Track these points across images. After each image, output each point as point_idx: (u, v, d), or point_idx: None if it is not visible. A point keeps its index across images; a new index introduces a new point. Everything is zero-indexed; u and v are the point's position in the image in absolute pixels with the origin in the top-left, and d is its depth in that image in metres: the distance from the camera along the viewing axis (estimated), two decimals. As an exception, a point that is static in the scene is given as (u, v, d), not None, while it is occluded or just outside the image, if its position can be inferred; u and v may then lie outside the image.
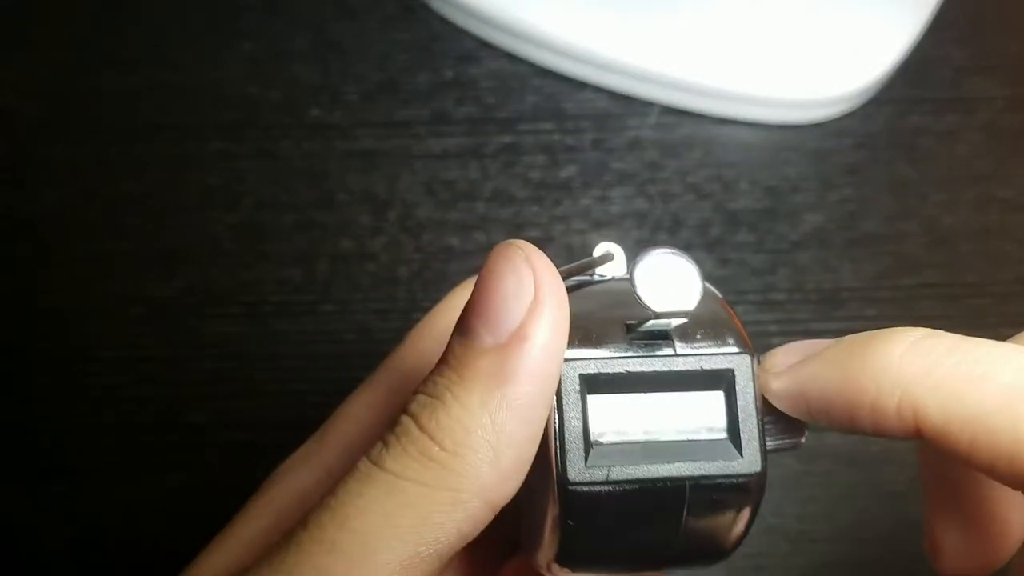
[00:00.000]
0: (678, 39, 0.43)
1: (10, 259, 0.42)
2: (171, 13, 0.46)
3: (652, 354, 0.19)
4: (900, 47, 0.44)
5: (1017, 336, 0.18)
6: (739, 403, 0.19)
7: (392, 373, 0.25)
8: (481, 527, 0.18)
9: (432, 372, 0.18)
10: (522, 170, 0.43)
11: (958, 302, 0.41)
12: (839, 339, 0.19)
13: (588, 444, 0.18)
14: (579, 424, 0.18)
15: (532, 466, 0.18)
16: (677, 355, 0.19)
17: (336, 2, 0.46)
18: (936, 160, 0.44)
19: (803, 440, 0.20)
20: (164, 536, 0.37)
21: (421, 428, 0.17)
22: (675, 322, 0.19)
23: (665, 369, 0.19)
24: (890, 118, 0.44)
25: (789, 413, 0.19)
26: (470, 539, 0.17)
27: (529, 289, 0.18)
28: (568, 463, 0.18)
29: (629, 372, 0.19)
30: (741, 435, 0.18)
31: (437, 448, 0.17)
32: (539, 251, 0.18)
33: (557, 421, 0.18)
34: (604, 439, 0.19)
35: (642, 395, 0.19)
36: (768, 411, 0.19)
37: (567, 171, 0.43)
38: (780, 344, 0.20)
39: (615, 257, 0.21)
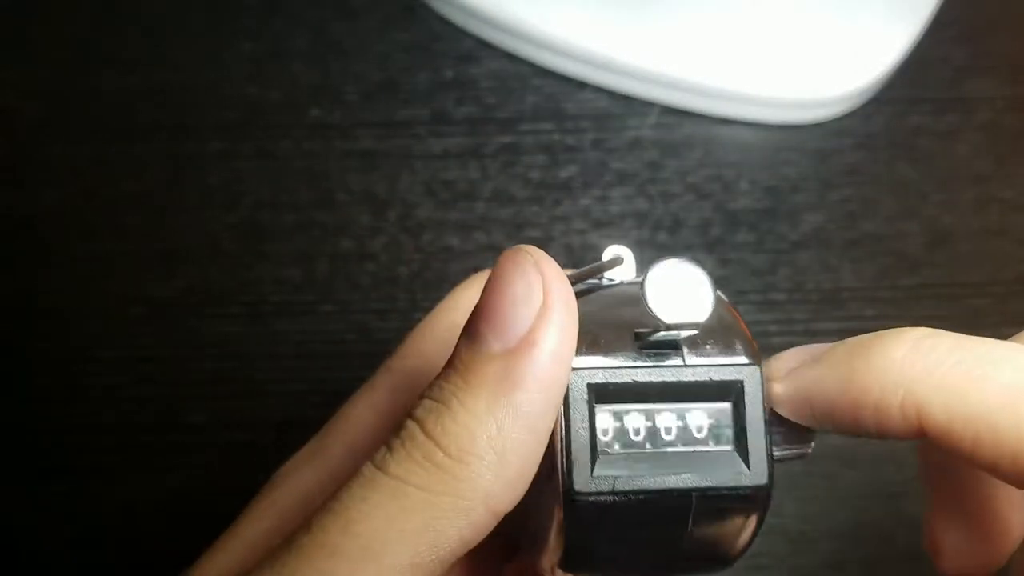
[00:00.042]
0: (678, 39, 0.43)
1: (10, 259, 0.42)
2: (171, 13, 0.46)
3: (661, 364, 0.19)
4: (900, 47, 0.44)
5: (1018, 335, 0.18)
6: (747, 415, 0.18)
7: (394, 374, 0.25)
8: (484, 534, 0.17)
9: (438, 377, 0.18)
10: (522, 170, 0.43)
11: (958, 302, 0.41)
12: (840, 342, 0.19)
13: (595, 454, 0.18)
14: (586, 434, 0.18)
15: (537, 473, 0.18)
16: (686, 366, 0.19)
17: (336, 2, 0.46)
18: (936, 160, 0.44)
19: (810, 449, 0.20)
20: (164, 536, 0.37)
21: (426, 433, 0.17)
22: (685, 333, 0.19)
23: (674, 380, 0.19)
24: (890, 118, 0.44)
25: (793, 418, 0.19)
26: (472, 545, 0.17)
27: (538, 295, 0.17)
28: (574, 473, 0.18)
29: (637, 382, 0.18)
30: (748, 447, 0.18)
31: (442, 454, 0.17)
32: (548, 256, 0.18)
33: (564, 430, 0.18)
34: (611, 449, 0.18)
35: (650, 405, 0.19)
36: (775, 420, 0.19)
37: (567, 171, 0.43)
38: (780, 344, 0.20)
39: (624, 261, 0.21)
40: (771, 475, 0.18)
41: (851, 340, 0.19)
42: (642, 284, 0.18)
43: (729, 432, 0.19)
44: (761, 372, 0.19)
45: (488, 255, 0.41)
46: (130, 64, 0.45)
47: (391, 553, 0.17)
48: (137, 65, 0.45)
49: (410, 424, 0.18)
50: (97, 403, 0.39)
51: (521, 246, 0.18)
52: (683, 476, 0.18)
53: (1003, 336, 0.18)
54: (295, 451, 0.24)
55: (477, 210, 0.42)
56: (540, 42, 0.44)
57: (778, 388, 0.19)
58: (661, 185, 0.43)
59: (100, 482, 0.38)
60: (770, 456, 0.18)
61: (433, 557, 0.17)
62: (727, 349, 0.19)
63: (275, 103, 0.44)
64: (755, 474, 0.18)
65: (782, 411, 0.19)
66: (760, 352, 0.19)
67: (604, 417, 0.19)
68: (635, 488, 0.18)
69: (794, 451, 0.20)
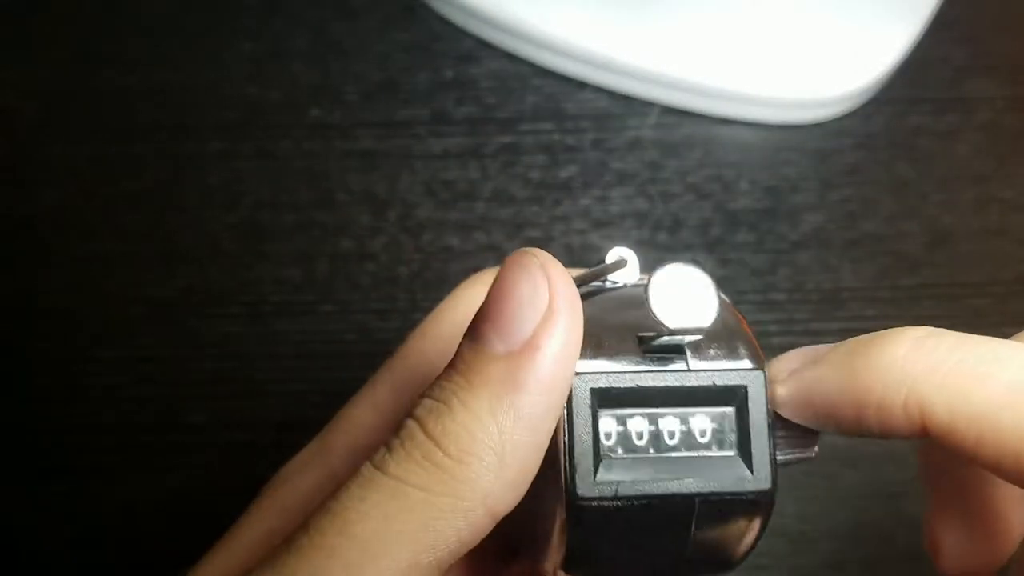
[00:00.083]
0: (678, 39, 0.43)
1: (10, 259, 0.42)
2: (171, 13, 0.46)
3: (664, 369, 0.19)
4: (900, 47, 0.44)
5: (1019, 334, 0.18)
6: (751, 420, 0.18)
7: (395, 374, 0.24)
8: (482, 536, 0.17)
9: (439, 377, 0.18)
10: (522, 170, 0.43)
11: (958, 302, 0.41)
12: (841, 342, 0.19)
13: (597, 459, 0.18)
14: (589, 439, 0.18)
15: (537, 475, 0.18)
16: (690, 370, 0.19)
17: (336, 2, 0.46)
18: (936, 160, 0.44)
19: (815, 453, 0.20)
20: (164, 536, 0.37)
21: (427, 433, 0.17)
22: (689, 337, 0.19)
23: (677, 384, 0.18)
24: (890, 118, 0.44)
25: (795, 420, 0.19)
26: (470, 547, 0.17)
27: (544, 298, 0.17)
28: (577, 478, 0.18)
29: (641, 387, 0.18)
30: (752, 452, 0.18)
31: (441, 454, 0.17)
32: (555, 260, 0.18)
33: (567, 435, 0.18)
34: (614, 453, 0.18)
35: (653, 409, 0.19)
36: (779, 423, 0.19)
37: (567, 171, 0.43)
38: (781, 344, 0.20)
39: (628, 263, 0.21)
40: (775, 480, 0.18)
41: (852, 340, 0.19)
42: (646, 289, 0.18)
43: (732, 437, 0.19)
44: (765, 377, 0.19)
45: (488, 255, 0.41)
46: (130, 64, 0.45)
47: (389, 554, 0.16)
48: (137, 65, 0.45)
49: (410, 423, 0.18)
50: (97, 403, 0.39)
51: (528, 248, 0.18)
52: (686, 481, 0.18)
53: (1004, 336, 0.18)
54: (295, 451, 0.24)
55: (477, 210, 0.42)
56: (540, 42, 0.44)
57: (781, 390, 0.19)
58: (661, 185, 0.43)
59: (100, 482, 0.38)
60: (773, 461, 0.18)
61: (431, 558, 0.17)
62: (731, 353, 0.19)
63: (275, 103, 0.44)
64: (758, 479, 0.18)
65: (785, 413, 0.19)
66: (764, 355, 0.19)
67: (607, 421, 0.18)
68: (638, 493, 0.18)
69: (798, 455, 0.20)
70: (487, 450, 0.17)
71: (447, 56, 0.45)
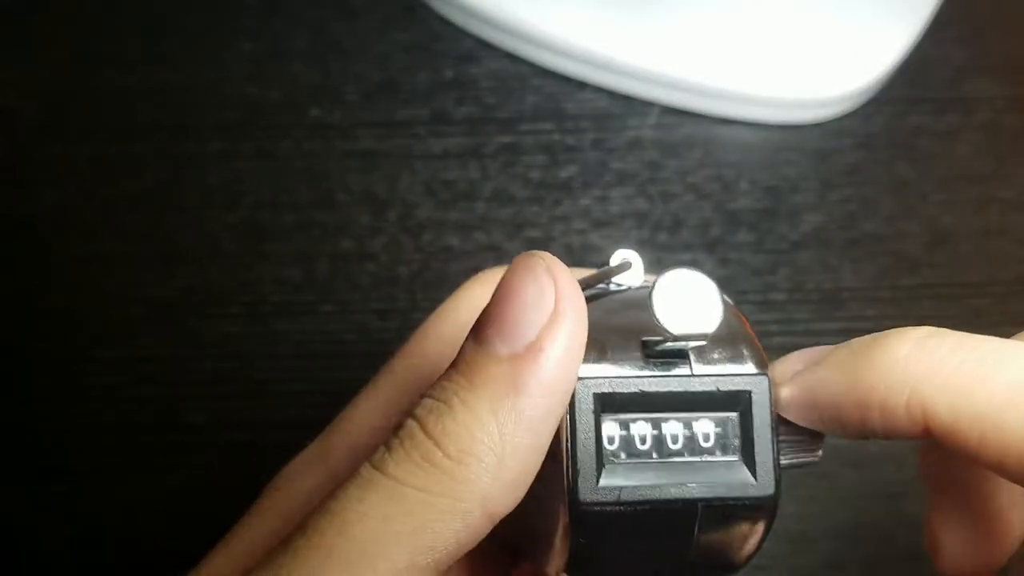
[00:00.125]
0: (678, 39, 0.43)
1: (10, 259, 0.42)
2: (171, 13, 0.46)
3: (668, 374, 0.19)
4: (900, 47, 0.44)
5: (1020, 334, 0.18)
6: (755, 425, 0.18)
7: (397, 374, 0.24)
8: (479, 537, 0.17)
9: (441, 377, 0.18)
10: (522, 170, 0.43)
11: (958, 302, 0.41)
12: (844, 343, 0.19)
13: (600, 464, 0.18)
14: (592, 444, 0.18)
15: (540, 478, 0.18)
16: (693, 375, 0.19)
17: (336, 2, 0.46)
18: (936, 160, 0.44)
19: (818, 457, 0.20)
20: (164, 536, 0.37)
21: (427, 433, 0.17)
22: (693, 343, 0.19)
23: (681, 390, 0.18)
24: (890, 118, 0.44)
25: (799, 422, 0.19)
26: (468, 549, 0.17)
27: (549, 301, 0.17)
28: (580, 482, 0.18)
29: (644, 392, 0.18)
30: (756, 457, 0.18)
31: (441, 454, 0.17)
32: (561, 263, 0.18)
33: (570, 439, 0.18)
34: (616, 458, 0.18)
35: (656, 414, 0.19)
36: (784, 425, 0.19)
37: (567, 171, 0.43)
38: (781, 344, 0.20)
39: (632, 265, 0.21)
40: (778, 485, 0.18)
41: (855, 341, 0.19)
42: (650, 295, 0.18)
43: (736, 442, 0.19)
44: (769, 381, 0.19)
45: (488, 255, 0.41)
46: (130, 64, 0.45)
47: (387, 555, 0.16)
48: (137, 65, 0.45)
49: (410, 423, 0.18)
50: (97, 403, 0.39)
51: (534, 251, 0.18)
52: (689, 486, 0.18)
53: (1004, 336, 0.18)
54: (295, 451, 0.24)
55: (477, 210, 0.42)
56: (540, 42, 0.44)
57: (784, 391, 0.19)
58: (661, 185, 0.43)
59: (100, 482, 0.38)
60: (777, 466, 0.18)
61: (429, 559, 0.17)
62: (735, 357, 0.19)
63: (275, 103, 0.44)
64: (762, 484, 0.18)
65: (788, 415, 0.19)
66: (767, 357, 0.19)
67: (610, 425, 0.18)
68: (641, 498, 0.18)
69: (802, 459, 0.20)
70: (487, 451, 0.17)
71: (447, 56, 0.45)
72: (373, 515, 0.17)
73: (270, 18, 0.46)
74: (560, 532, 0.19)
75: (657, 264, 0.41)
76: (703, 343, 0.19)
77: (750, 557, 0.19)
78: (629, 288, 0.21)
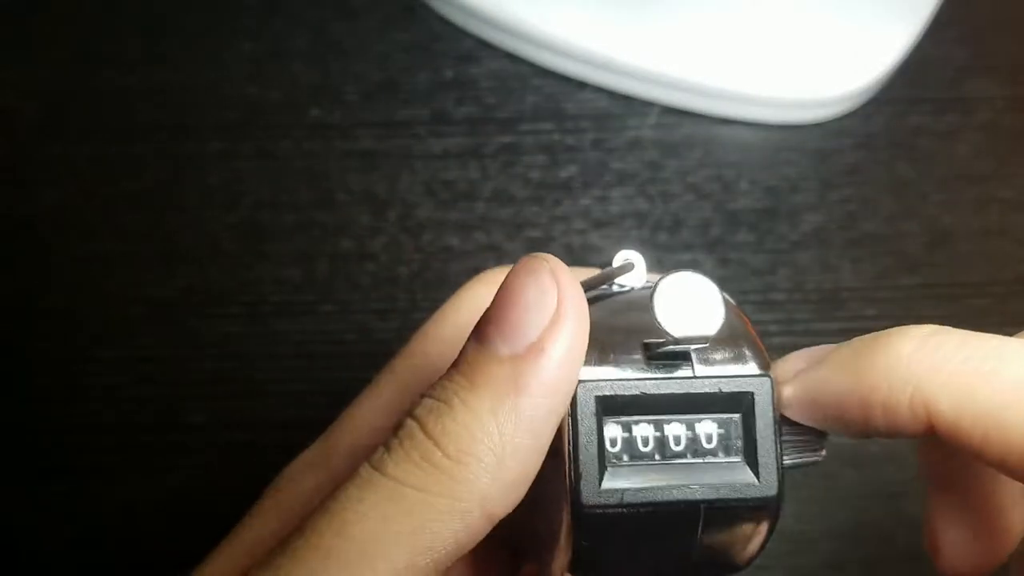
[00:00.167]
0: (678, 39, 0.43)
1: (10, 259, 0.42)
2: (171, 13, 0.46)
3: (670, 376, 0.19)
4: (900, 47, 0.44)
5: (1022, 332, 0.18)
6: (757, 426, 0.18)
7: (398, 375, 0.24)
8: (479, 538, 0.17)
9: (442, 377, 0.18)
10: (522, 170, 0.43)
11: (958, 302, 0.41)
12: (846, 342, 0.19)
13: (603, 467, 0.18)
14: (594, 446, 0.18)
15: (543, 478, 0.18)
16: (696, 377, 0.19)
17: (336, 2, 0.46)
18: (936, 160, 0.44)
19: (822, 456, 0.20)
20: (164, 536, 0.37)
21: (426, 432, 0.17)
22: (695, 345, 0.18)
23: (683, 392, 0.18)
24: (890, 118, 0.44)
25: (802, 421, 0.19)
26: (467, 549, 0.17)
27: (551, 302, 0.17)
28: (582, 485, 0.18)
29: (646, 395, 0.18)
30: (759, 458, 0.18)
31: (440, 454, 0.17)
32: (565, 266, 0.18)
33: (572, 442, 0.18)
34: (619, 460, 0.18)
35: (658, 417, 0.19)
36: (787, 424, 0.19)
37: (567, 171, 0.43)
38: (781, 344, 0.20)
39: (635, 266, 0.21)
40: (781, 486, 0.18)
41: (857, 339, 0.19)
42: (651, 297, 0.18)
43: (739, 443, 0.19)
44: (772, 382, 0.19)
45: (488, 255, 0.41)
46: (130, 64, 0.45)
47: (386, 555, 0.16)
48: (137, 65, 0.45)
49: (409, 423, 0.18)
50: (97, 403, 0.39)
51: (538, 254, 0.18)
52: (692, 488, 0.18)
53: (1005, 336, 0.18)
54: (295, 451, 0.24)
55: (477, 210, 0.42)
56: (540, 42, 0.44)
57: (786, 390, 0.19)
58: (661, 185, 0.43)
59: (100, 482, 0.38)
60: (780, 467, 0.18)
61: (428, 560, 0.17)
62: (737, 358, 0.19)
63: (275, 103, 0.44)
64: (765, 485, 0.18)
65: (791, 414, 0.19)
66: (769, 357, 0.19)
67: (613, 428, 0.18)
68: (643, 500, 0.18)
69: (805, 459, 0.19)
70: (486, 451, 0.17)
71: (447, 56, 0.45)
72: (372, 515, 0.17)
73: (270, 18, 0.46)
74: (563, 532, 0.19)
75: (657, 264, 0.41)
76: (705, 345, 0.19)
77: (753, 558, 0.19)
78: (632, 289, 0.21)
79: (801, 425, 0.19)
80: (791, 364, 0.19)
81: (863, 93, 0.44)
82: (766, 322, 0.40)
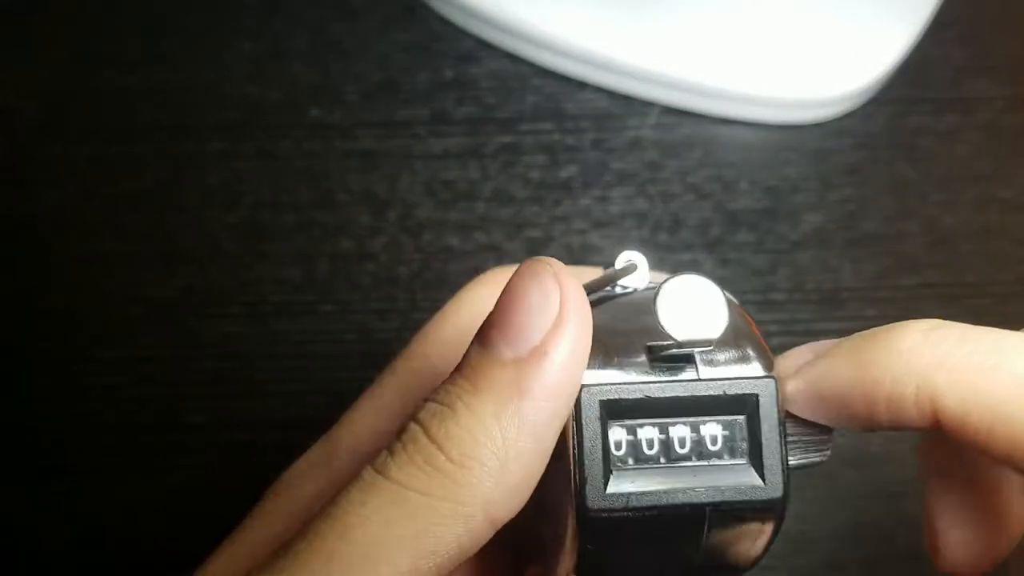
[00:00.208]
0: (678, 39, 0.43)
1: (10, 259, 0.42)
2: (171, 13, 0.46)
3: (674, 379, 0.18)
4: (900, 47, 0.44)
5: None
6: (762, 428, 0.18)
7: (399, 377, 0.24)
8: (482, 542, 0.17)
9: (445, 381, 0.18)
10: (522, 170, 0.43)
11: (958, 302, 0.41)
12: (849, 336, 0.19)
13: (608, 471, 0.18)
14: (599, 451, 0.18)
15: (547, 482, 0.18)
16: (700, 380, 0.19)
17: (336, 2, 0.46)
18: (936, 160, 0.44)
19: (827, 456, 0.20)
20: (164, 536, 0.37)
21: (429, 436, 0.17)
22: (699, 348, 0.18)
23: (687, 395, 0.18)
24: (890, 118, 0.44)
25: (805, 416, 0.19)
26: (470, 554, 0.17)
27: (554, 306, 0.17)
28: (588, 489, 0.18)
29: (650, 398, 0.18)
30: (764, 460, 0.18)
31: (443, 458, 0.17)
32: (568, 269, 0.18)
33: (576, 447, 0.18)
34: (624, 463, 0.18)
35: (663, 420, 0.19)
36: (792, 420, 0.19)
37: (567, 171, 0.43)
38: (781, 344, 0.20)
39: (638, 267, 0.21)
40: (786, 488, 0.18)
41: (859, 334, 0.19)
42: (654, 301, 0.18)
43: (744, 445, 0.19)
44: (776, 384, 0.18)
45: (488, 255, 0.41)
46: (130, 64, 0.45)
47: (390, 559, 0.16)
48: (137, 65, 0.45)
49: (412, 427, 0.18)
50: (97, 403, 0.39)
51: (541, 257, 0.18)
52: (697, 491, 0.18)
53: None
54: (295, 451, 0.24)
55: (477, 210, 0.42)
56: (540, 42, 0.44)
57: (790, 385, 0.19)
58: (661, 185, 0.43)
59: (100, 482, 0.38)
60: (785, 469, 0.18)
61: (431, 564, 0.17)
62: (741, 360, 0.19)
63: (275, 103, 0.44)
64: (770, 488, 0.18)
65: (795, 409, 0.19)
66: (773, 356, 0.19)
67: (617, 431, 0.18)
68: (649, 504, 0.18)
69: (810, 459, 0.19)
70: (490, 455, 0.17)
71: (447, 56, 0.45)
72: (375, 519, 0.17)
73: (270, 18, 0.46)
74: (568, 536, 0.19)
75: (657, 264, 0.41)
76: (709, 348, 0.18)
77: (758, 559, 0.19)
78: (635, 291, 0.21)
79: (805, 421, 0.19)
80: (793, 359, 0.19)
81: (863, 93, 0.44)
82: (766, 322, 0.40)
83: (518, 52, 0.45)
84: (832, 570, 0.37)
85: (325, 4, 0.46)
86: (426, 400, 0.18)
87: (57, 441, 0.39)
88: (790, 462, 0.19)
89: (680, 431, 0.18)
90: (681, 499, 0.18)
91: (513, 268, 0.18)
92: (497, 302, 0.18)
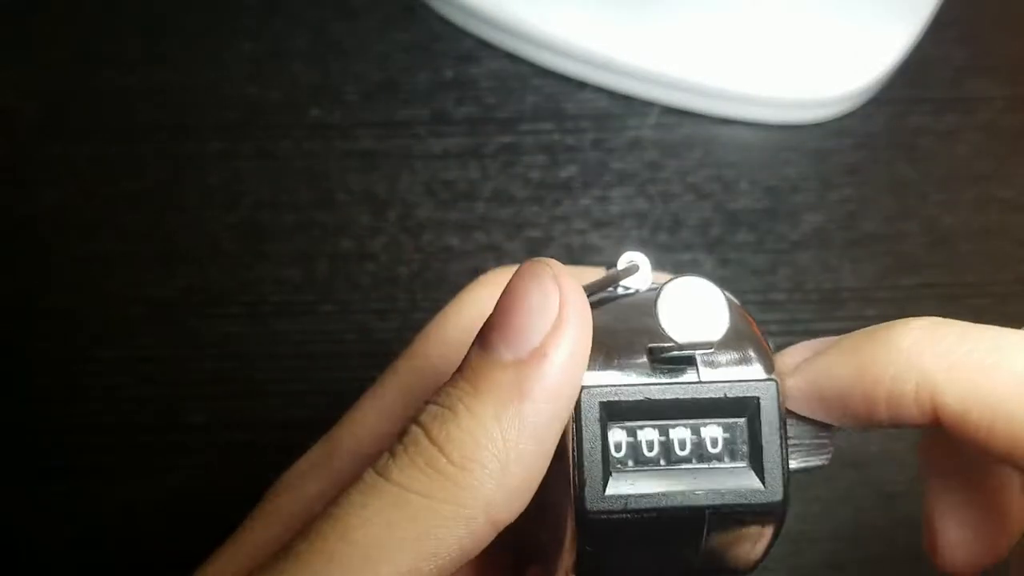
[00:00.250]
0: (678, 39, 0.43)
1: (10, 259, 0.42)
2: (171, 13, 0.46)
3: (675, 381, 0.18)
4: (900, 47, 0.44)
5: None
6: (763, 431, 0.18)
7: (400, 378, 0.24)
8: (483, 544, 0.17)
9: (446, 383, 0.18)
10: (522, 170, 0.43)
11: (958, 302, 0.41)
12: (848, 334, 0.19)
13: (607, 472, 0.18)
14: (599, 452, 0.18)
15: (547, 483, 0.18)
16: (701, 382, 0.18)
17: (336, 2, 0.46)
18: (936, 160, 0.44)
19: (828, 459, 0.19)
20: (164, 536, 0.37)
21: (431, 439, 0.17)
22: (700, 350, 0.18)
23: (688, 397, 0.18)
24: (890, 118, 0.44)
25: (804, 413, 0.19)
26: (471, 556, 0.17)
27: (554, 307, 0.17)
28: (587, 491, 0.18)
29: (650, 400, 0.18)
30: (764, 463, 0.18)
31: (445, 460, 0.17)
32: (568, 270, 0.18)
33: (576, 448, 0.18)
34: (624, 465, 0.18)
35: (663, 422, 0.18)
36: (791, 418, 0.19)
37: (567, 171, 0.43)
38: (781, 345, 0.20)
39: (640, 268, 0.21)
40: (787, 491, 0.18)
41: (859, 331, 0.19)
42: (655, 303, 0.18)
43: (744, 448, 0.18)
44: (777, 386, 0.18)
45: (488, 255, 0.41)
46: (130, 64, 0.45)
47: (391, 561, 0.16)
48: (137, 65, 0.45)
49: (414, 429, 0.18)
50: (97, 403, 0.39)
51: (541, 259, 0.18)
52: (697, 494, 0.18)
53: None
54: (295, 451, 0.24)
55: (477, 210, 0.42)
56: (540, 42, 0.44)
57: (789, 382, 0.19)
58: (661, 185, 0.43)
59: (100, 482, 0.38)
60: (786, 472, 0.18)
61: (432, 566, 0.17)
62: (743, 362, 0.19)
63: (275, 103, 0.44)
64: (770, 491, 0.18)
65: (794, 406, 0.19)
66: (773, 356, 0.19)
67: (617, 433, 0.18)
68: (648, 506, 0.18)
69: (811, 462, 0.19)
70: (491, 457, 0.17)
71: (447, 56, 0.45)
72: (376, 521, 0.17)
73: (270, 18, 0.46)
74: (568, 537, 0.19)
75: (658, 264, 0.41)
76: (710, 350, 0.18)
77: (758, 562, 0.19)
78: (637, 292, 0.21)
79: (805, 418, 0.19)
80: (793, 356, 0.19)
81: (863, 93, 0.44)
82: (766, 322, 0.40)
83: (518, 52, 0.45)
84: (832, 570, 0.37)
85: (325, 4, 0.46)
86: (427, 402, 0.18)
87: (57, 441, 0.39)
88: (791, 465, 0.19)
89: (680, 433, 0.18)
90: (680, 501, 0.18)
91: (514, 268, 0.18)
92: (497, 304, 0.18)
